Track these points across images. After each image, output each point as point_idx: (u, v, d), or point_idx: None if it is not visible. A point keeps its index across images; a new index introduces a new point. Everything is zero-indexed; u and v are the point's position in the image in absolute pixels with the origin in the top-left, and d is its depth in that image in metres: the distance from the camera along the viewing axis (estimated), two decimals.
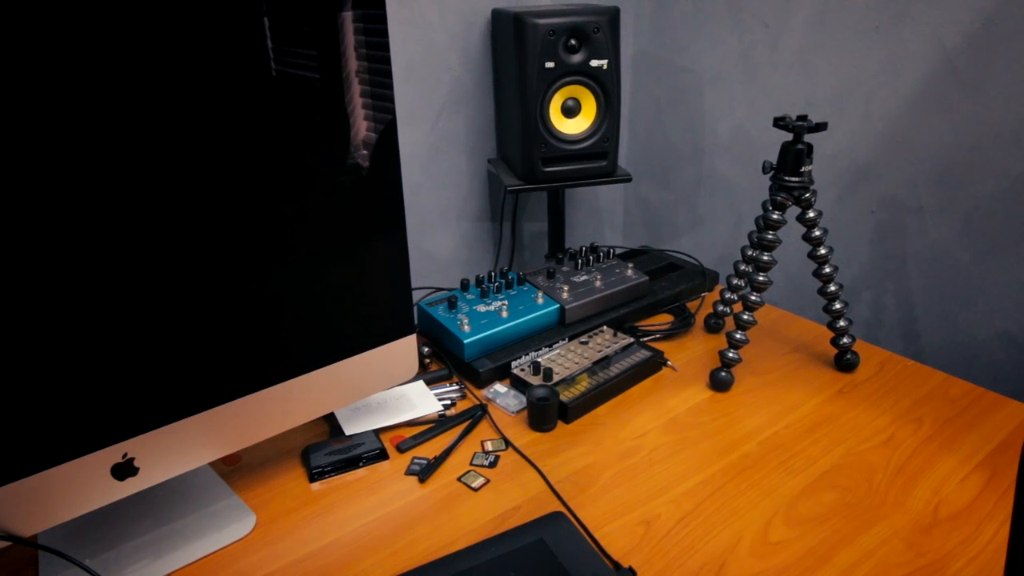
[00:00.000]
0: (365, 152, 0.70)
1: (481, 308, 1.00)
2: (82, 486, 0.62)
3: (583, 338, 0.99)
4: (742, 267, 0.97)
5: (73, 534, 0.70)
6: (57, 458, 0.60)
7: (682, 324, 1.06)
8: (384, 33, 0.68)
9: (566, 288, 1.05)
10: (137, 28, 0.54)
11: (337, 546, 0.69)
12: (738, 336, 0.91)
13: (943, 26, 0.93)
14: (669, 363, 0.98)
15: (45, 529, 0.62)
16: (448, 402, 0.90)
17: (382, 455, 0.81)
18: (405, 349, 0.80)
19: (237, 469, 0.80)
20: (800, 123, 0.84)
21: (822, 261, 0.91)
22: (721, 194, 1.28)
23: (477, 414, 0.88)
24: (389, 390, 0.91)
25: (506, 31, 1.04)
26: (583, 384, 0.89)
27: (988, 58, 0.90)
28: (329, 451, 0.81)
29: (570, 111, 1.05)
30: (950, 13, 0.92)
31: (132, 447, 0.63)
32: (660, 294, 1.11)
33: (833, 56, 1.05)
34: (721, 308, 1.03)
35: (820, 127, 0.84)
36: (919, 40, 0.96)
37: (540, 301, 1.02)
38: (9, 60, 0.49)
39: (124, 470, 0.64)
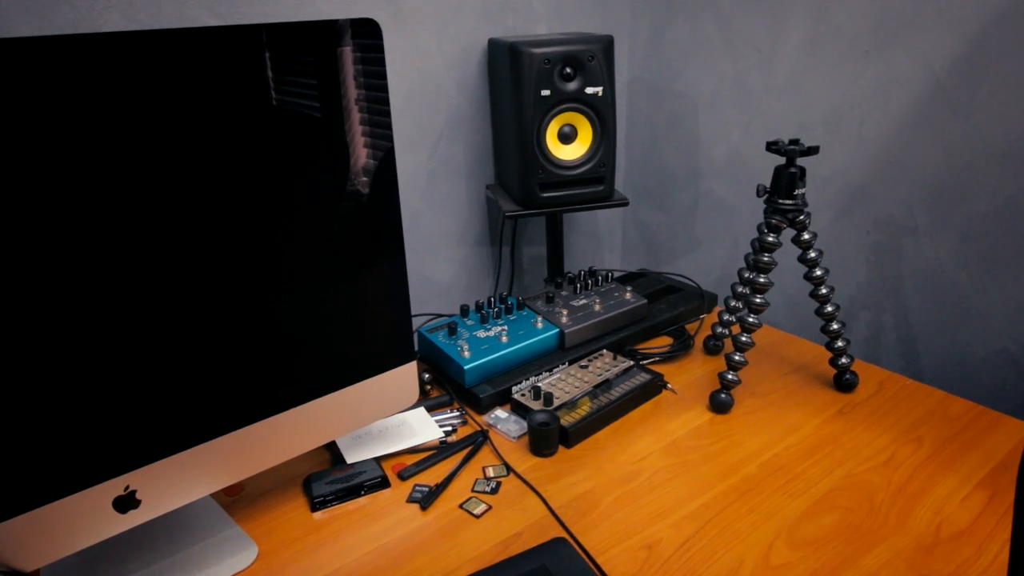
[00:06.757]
0: (365, 179, 0.71)
1: (481, 334, 1.01)
2: (84, 520, 0.62)
3: (583, 362, 1.00)
4: (740, 289, 0.97)
5: (75, 568, 0.70)
6: (59, 492, 0.60)
7: (681, 346, 1.06)
8: (382, 63, 0.69)
9: (565, 312, 1.05)
10: (142, 62, 0.55)
11: None
12: (737, 358, 0.91)
13: (932, 50, 0.95)
14: (669, 386, 0.98)
15: (48, 563, 0.62)
16: (449, 428, 0.91)
17: (384, 483, 0.81)
18: (405, 376, 0.81)
19: (239, 499, 0.80)
20: (792, 147, 0.85)
21: (818, 282, 0.92)
22: (718, 217, 1.29)
23: (478, 440, 0.88)
24: (390, 417, 0.92)
25: (502, 60, 1.05)
26: (584, 408, 0.89)
27: (976, 80, 0.92)
28: (331, 480, 0.81)
29: (566, 137, 1.07)
30: (938, 37, 0.94)
31: (134, 479, 0.64)
32: (659, 317, 1.11)
33: (825, 80, 1.07)
34: (720, 330, 1.03)
35: (812, 151, 0.85)
36: (909, 63, 0.98)
37: (540, 326, 1.02)
38: (18, 96, 0.50)
39: (126, 503, 0.64)
